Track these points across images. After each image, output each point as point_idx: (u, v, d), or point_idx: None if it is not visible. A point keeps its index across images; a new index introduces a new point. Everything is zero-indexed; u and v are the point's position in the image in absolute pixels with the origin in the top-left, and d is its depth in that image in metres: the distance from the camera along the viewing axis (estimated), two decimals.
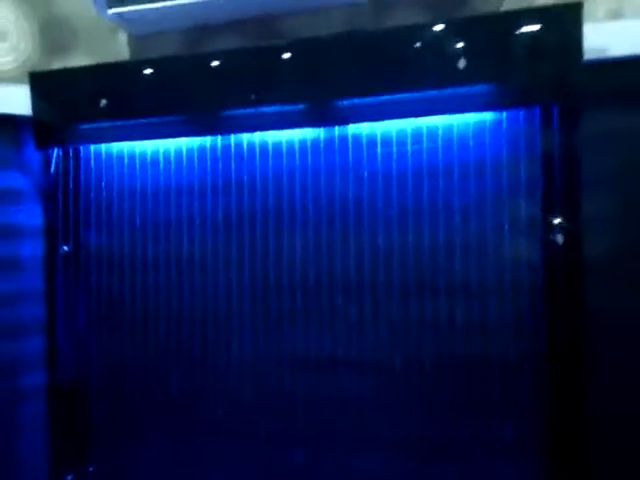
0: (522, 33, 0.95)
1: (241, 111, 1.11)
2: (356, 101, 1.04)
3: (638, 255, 0.93)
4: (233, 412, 1.15)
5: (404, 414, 1.06)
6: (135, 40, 1.24)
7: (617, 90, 0.95)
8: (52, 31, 1.28)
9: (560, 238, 0.97)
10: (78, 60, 1.26)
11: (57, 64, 1.27)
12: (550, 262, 0.98)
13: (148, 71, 1.14)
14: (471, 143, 1.02)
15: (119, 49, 1.24)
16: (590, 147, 0.95)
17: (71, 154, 1.24)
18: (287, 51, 1.06)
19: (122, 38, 1.24)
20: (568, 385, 0.96)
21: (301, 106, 1.08)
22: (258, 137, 1.14)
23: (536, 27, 0.94)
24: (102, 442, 1.26)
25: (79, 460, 1.26)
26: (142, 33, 1.22)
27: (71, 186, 1.24)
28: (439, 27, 0.99)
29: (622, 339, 0.94)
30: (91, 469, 1.27)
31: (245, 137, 1.14)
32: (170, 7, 1.12)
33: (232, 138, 1.15)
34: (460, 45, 0.97)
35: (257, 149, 1.14)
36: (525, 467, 1.00)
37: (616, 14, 0.98)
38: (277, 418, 1.13)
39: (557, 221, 0.97)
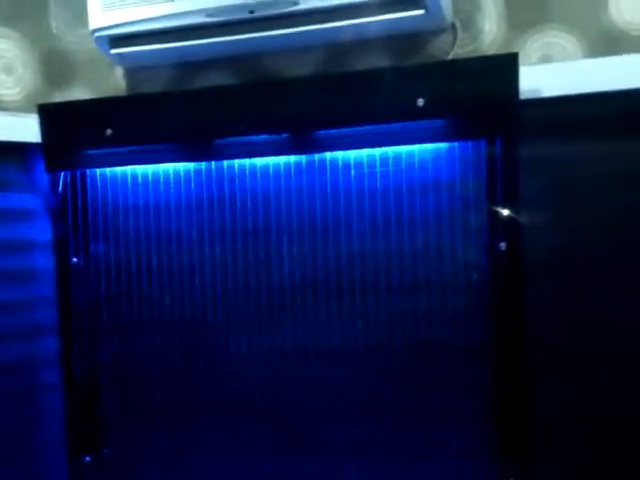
0: (470, 76, 1.14)
1: (231, 139, 1.28)
2: (332, 132, 1.23)
3: (568, 260, 1.15)
4: (234, 399, 1.35)
5: (376, 391, 1.28)
6: (130, 73, 1.39)
7: (548, 124, 1.15)
8: (53, 64, 1.41)
9: (503, 245, 1.19)
10: (78, 90, 1.41)
11: (59, 94, 1.41)
12: (495, 265, 1.20)
13: (148, 104, 1.30)
14: (429, 166, 1.22)
15: (115, 81, 1.39)
16: (526, 170, 1.16)
17: (78, 176, 1.39)
18: (273, 88, 1.24)
19: (118, 71, 1.39)
20: (510, 369, 1.19)
21: (285, 136, 1.26)
22: (247, 160, 1.31)
23: (481, 71, 1.14)
24: (115, 428, 1.44)
25: (95, 444, 1.44)
26: (137, 67, 1.37)
27: (79, 204, 1.40)
28: (402, 71, 1.18)
29: (554, 331, 1.17)
30: (106, 451, 1.45)
31: (236, 160, 1.32)
32: (164, 48, 1.28)
33: (225, 161, 1.32)
34: (419, 86, 1.16)
35: (247, 170, 1.31)
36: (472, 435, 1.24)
37: (547, 59, 1.19)
38: (270, 402, 1.33)
39: (500, 231, 1.19)
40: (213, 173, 1.34)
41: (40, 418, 1.41)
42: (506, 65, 1.13)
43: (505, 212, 1.18)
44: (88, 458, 1.44)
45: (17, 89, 1.39)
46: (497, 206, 1.19)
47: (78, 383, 1.44)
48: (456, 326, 1.23)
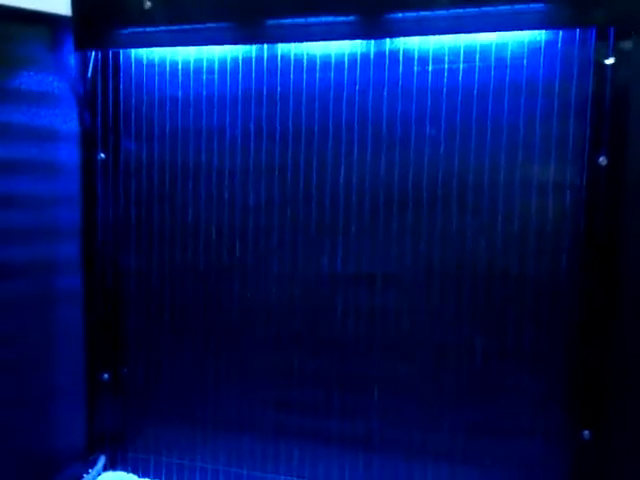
0: None
1: (289, 20, 1.10)
2: (408, 14, 1.04)
3: None
4: (264, 318, 1.20)
5: (440, 320, 1.12)
6: None
7: None
8: None
9: (603, 160, 1.01)
10: None
11: None
12: (592, 182, 1.02)
13: None
14: (524, 63, 1.03)
15: None
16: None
17: (110, 59, 1.22)
18: None
19: None
20: (600, 297, 1.03)
21: (352, 17, 1.07)
22: (306, 49, 1.13)
23: None
24: (136, 347, 1.31)
25: (114, 361, 1.31)
26: None
27: (111, 92, 1.23)
28: None
29: None
30: (125, 370, 1.32)
31: (293, 48, 1.13)
32: None
33: (279, 49, 1.14)
34: None
35: (304, 61, 1.13)
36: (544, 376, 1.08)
37: None
38: (307, 325, 1.18)
39: (602, 143, 1.00)
40: (265, 63, 1.15)
41: (57, 329, 1.28)
42: None
43: (611, 121, 0.99)
44: (106, 376, 1.31)
45: None
46: (602, 113, 1.00)
47: (99, 294, 1.30)
48: (540, 252, 1.06)
